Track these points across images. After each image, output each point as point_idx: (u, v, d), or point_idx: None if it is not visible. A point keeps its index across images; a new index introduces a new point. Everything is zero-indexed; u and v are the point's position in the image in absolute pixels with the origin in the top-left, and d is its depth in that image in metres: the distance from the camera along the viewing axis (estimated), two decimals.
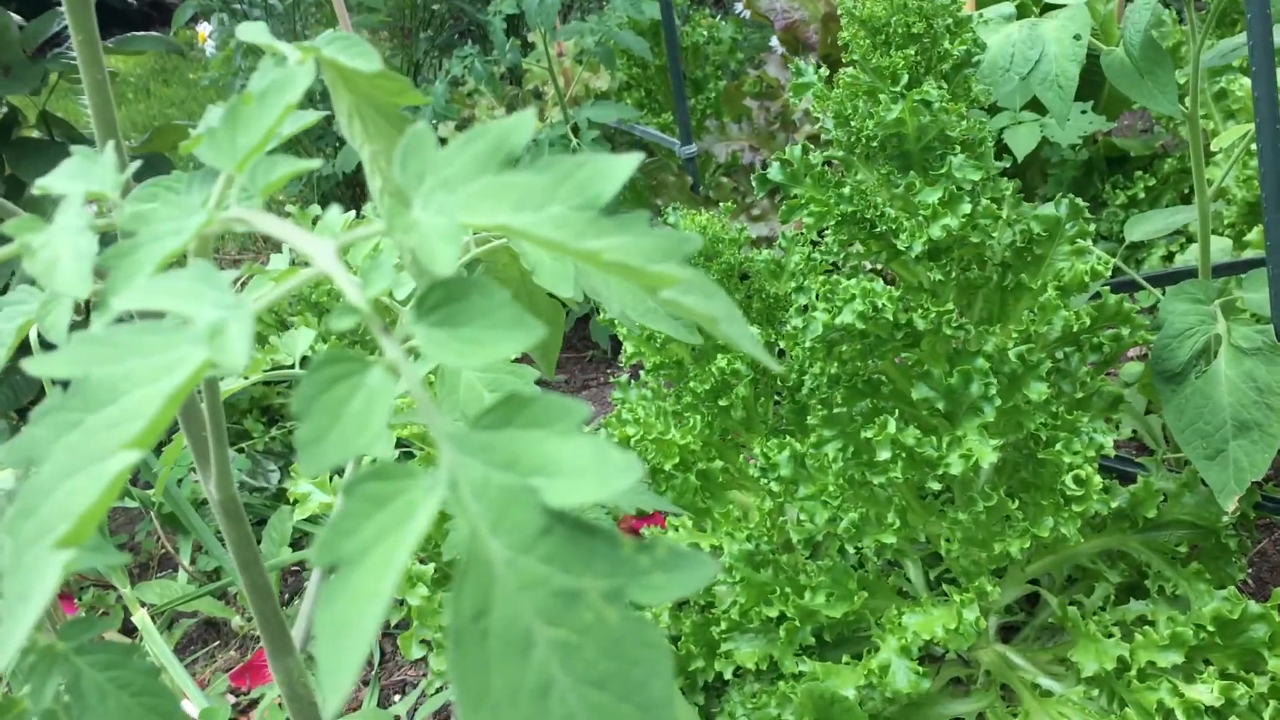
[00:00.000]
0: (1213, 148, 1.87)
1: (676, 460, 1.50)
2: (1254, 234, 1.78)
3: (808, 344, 1.22)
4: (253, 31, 0.50)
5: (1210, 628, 1.27)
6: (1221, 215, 1.91)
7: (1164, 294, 1.37)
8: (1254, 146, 1.73)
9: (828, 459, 1.30)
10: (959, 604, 1.27)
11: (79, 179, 0.39)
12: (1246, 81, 1.97)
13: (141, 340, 0.33)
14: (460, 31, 3.14)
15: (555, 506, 0.31)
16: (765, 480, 1.33)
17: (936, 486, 1.23)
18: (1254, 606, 1.26)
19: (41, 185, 0.39)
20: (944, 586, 1.39)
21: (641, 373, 1.56)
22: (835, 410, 1.30)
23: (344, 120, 0.53)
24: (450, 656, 0.30)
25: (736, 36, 2.77)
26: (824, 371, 1.31)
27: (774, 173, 1.22)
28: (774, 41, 2.87)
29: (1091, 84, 2.44)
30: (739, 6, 3.31)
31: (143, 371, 0.32)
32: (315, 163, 0.41)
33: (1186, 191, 2.25)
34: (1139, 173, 2.34)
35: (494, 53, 2.48)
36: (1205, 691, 1.24)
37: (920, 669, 1.24)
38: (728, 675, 1.42)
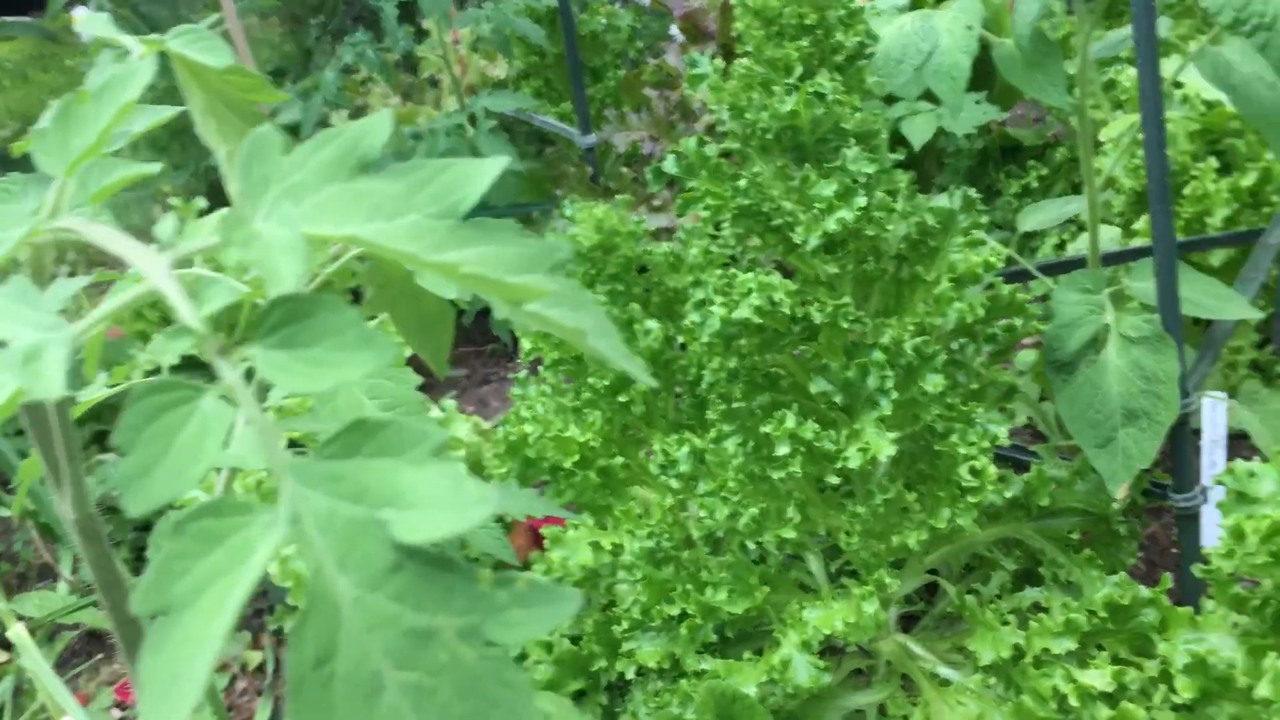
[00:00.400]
0: (1101, 138, 1.91)
1: (576, 458, 1.48)
2: (1141, 223, 1.82)
3: (705, 339, 1.21)
4: (94, 23, 0.47)
5: (1103, 613, 1.29)
6: (1111, 204, 1.95)
7: (1056, 283, 1.39)
8: (1140, 136, 1.77)
9: (727, 454, 1.29)
10: (859, 597, 1.27)
11: None
12: (1134, 72, 2.01)
13: None
14: (354, 17, 3.07)
15: (406, 541, 0.28)
16: (665, 477, 1.31)
17: (836, 480, 1.23)
18: (1144, 592, 1.28)
19: None
20: (844, 580, 1.39)
21: (540, 368, 1.54)
22: (734, 405, 1.29)
23: (198, 119, 0.49)
24: (291, 707, 0.28)
25: (636, 25, 2.75)
26: (723, 366, 1.29)
27: (669, 165, 1.20)
28: (674, 30, 2.85)
29: (985, 74, 2.47)
30: None
31: None
32: (154, 167, 0.37)
33: (1078, 180, 2.30)
34: (1032, 162, 2.38)
35: (387, 39, 2.42)
36: (1098, 677, 1.26)
37: (821, 663, 1.24)
38: (630, 675, 1.40)
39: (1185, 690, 1.12)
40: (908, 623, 1.55)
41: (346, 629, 0.28)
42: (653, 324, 1.45)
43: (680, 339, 1.46)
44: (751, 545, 1.31)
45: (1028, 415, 1.93)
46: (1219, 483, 1.08)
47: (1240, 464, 1.08)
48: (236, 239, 0.32)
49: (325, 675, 0.28)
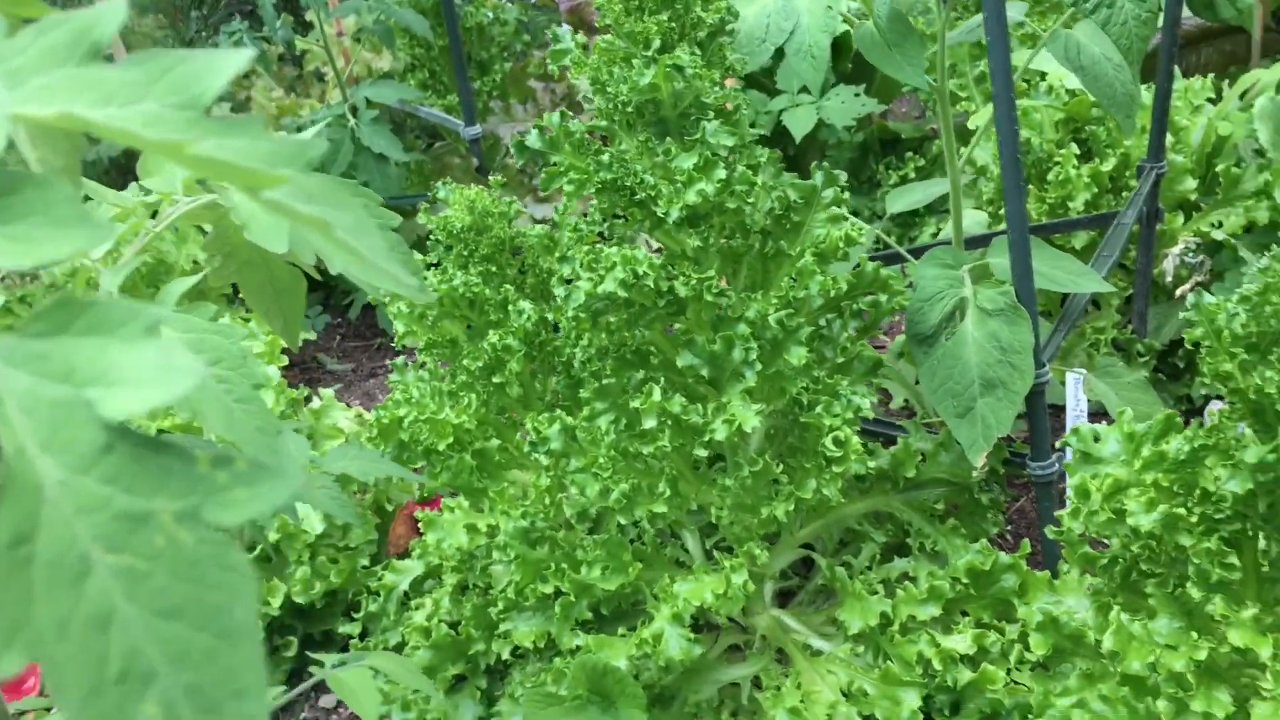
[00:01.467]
0: (970, 126, 1.96)
1: (451, 440, 1.47)
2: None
3: (572, 314, 1.21)
4: None
5: (965, 580, 1.32)
6: (981, 192, 1.99)
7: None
8: None
9: (599, 431, 1.29)
10: (729, 569, 1.28)
11: None
12: None
13: None
14: (234, 11, 3.00)
15: (115, 419, 0.28)
16: (536, 454, 1.31)
17: (705, 454, 1.24)
18: (1004, 558, 1.32)
19: None
20: (719, 555, 1.40)
21: (418, 353, 1.52)
22: (605, 382, 1.29)
23: None
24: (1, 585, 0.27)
25: (522, 18, 2.75)
26: (592, 343, 1.30)
27: (532, 140, 1.20)
28: (562, 26, 2.85)
29: (864, 68, 2.52)
30: None
31: None
32: None
33: (938, 179, 2.35)
34: (910, 154, 2.43)
35: (266, 29, 2.38)
36: (960, 641, 1.29)
37: (692, 636, 1.25)
38: (506, 656, 1.39)
39: (1039, 648, 1.15)
40: (784, 598, 1.57)
41: (50, 510, 0.27)
42: (526, 305, 1.44)
43: (555, 319, 1.45)
44: (627, 523, 1.31)
45: (905, 397, 1.97)
46: (1065, 444, 1.11)
47: (1085, 426, 1.11)
48: None
49: (24, 556, 0.27)
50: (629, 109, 1.16)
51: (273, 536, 1.67)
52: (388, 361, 2.41)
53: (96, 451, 0.28)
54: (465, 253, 1.44)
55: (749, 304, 1.24)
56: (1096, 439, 1.09)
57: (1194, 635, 1.03)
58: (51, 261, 0.29)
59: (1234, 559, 1.00)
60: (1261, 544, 1.03)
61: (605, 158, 1.18)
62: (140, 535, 0.28)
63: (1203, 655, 1.01)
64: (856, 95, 2.39)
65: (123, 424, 0.28)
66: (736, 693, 1.42)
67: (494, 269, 1.47)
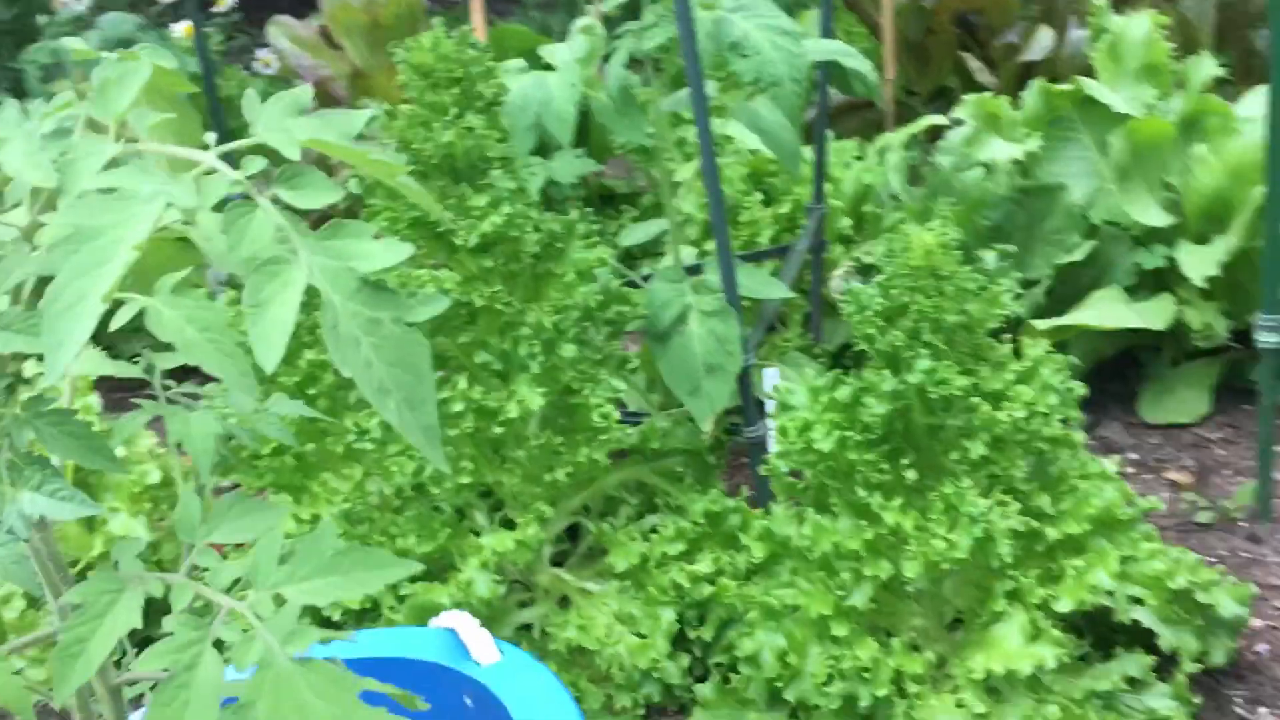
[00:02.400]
0: (676, 180, 2.40)
1: (274, 445, 1.72)
2: (710, 245, 2.31)
3: None
4: None
5: (702, 521, 1.71)
6: (688, 233, 2.44)
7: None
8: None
9: None
10: (523, 525, 1.61)
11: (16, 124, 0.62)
12: (695, 131, 2.53)
13: (104, 204, 0.58)
14: None
15: (362, 274, 0.60)
16: (359, 443, 1.60)
17: (500, 432, 1.57)
18: (730, 502, 1.72)
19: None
20: (504, 527, 1.73)
21: None
22: None
23: None
24: (335, 351, 0.59)
25: (269, 91, 2.99)
26: None
27: (353, 185, 1.51)
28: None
29: (583, 134, 2.94)
30: (262, 66, 3.49)
31: (112, 219, 0.58)
32: None
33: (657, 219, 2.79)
34: (625, 206, 2.86)
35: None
36: (702, 565, 1.67)
37: (498, 577, 1.57)
38: (338, 618, 1.65)
39: (758, 553, 1.55)
40: (559, 561, 1.91)
41: (341, 315, 0.59)
42: None
43: None
44: (437, 495, 1.61)
45: (637, 406, 2.36)
46: (770, 398, 1.53)
47: (781, 384, 1.53)
48: (255, 134, 0.62)
49: (334, 334, 0.59)
50: (432, 161, 1.49)
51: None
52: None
53: (355, 290, 0.60)
54: None
55: (528, 313, 1.59)
56: (790, 393, 1.52)
57: (863, 524, 1.46)
58: (319, 206, 0.61)
59: (885, 466, 1.44)
60: (905, 457, 1.47)
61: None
62: (378, 328, 0.60)
63: (869, 536, 1.44)
64: (579, 156, 2.80)
65: (365, 277, 0.61)
66: (529, 634, 1.74)
67: (304, 297, 1.74)
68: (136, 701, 0.76)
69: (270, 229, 0.59)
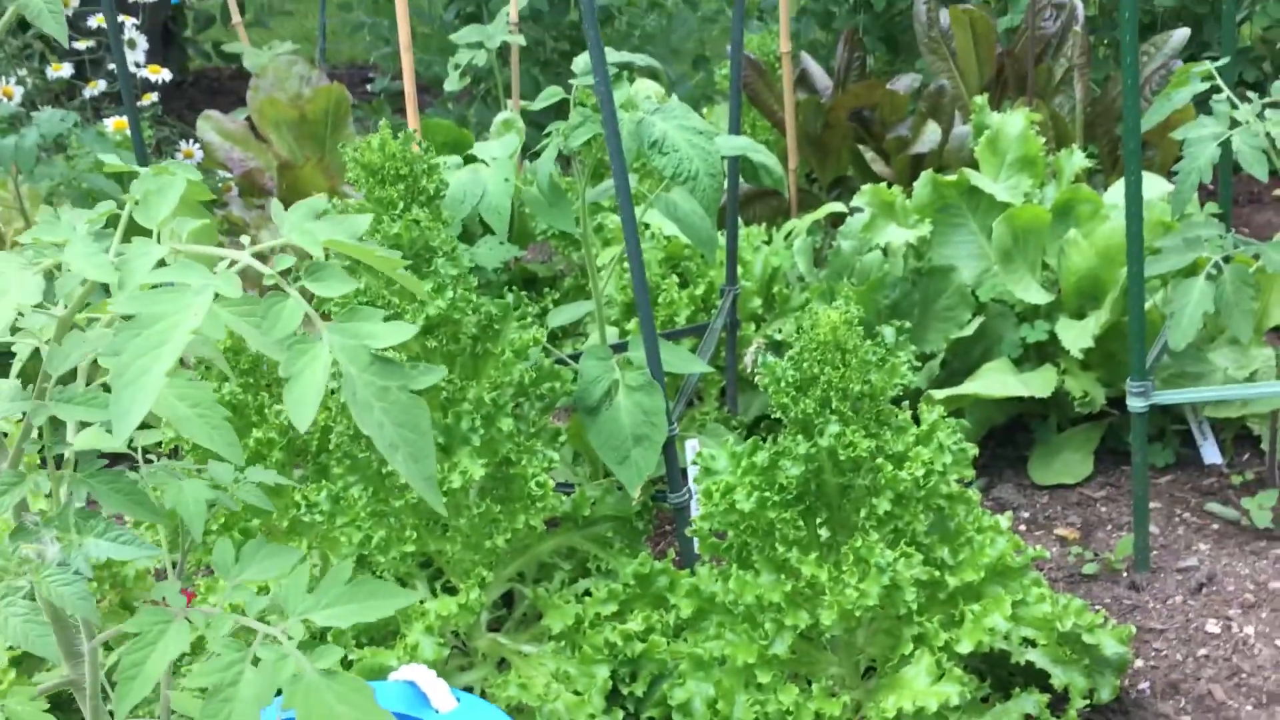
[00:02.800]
0: (598, 264, 2.55)
1: (222, 520, 1.80)
2: (631, 324, 2.46)
3: (339, 403, 1.62)
4: None
5: (633, 583, 1.82)
6: (610, 314, 2.58)
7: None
8: (624, 265, 2.42)
9: (353, 498, 1.70)
10: (465, 589, 1.71)
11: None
12: (615, 219, 2.69)
13: (161, 295, 0.70)
14: None
15: (375, 350, 0.73)
16: (310, 515, 1.69)
17: (443, 501, 1.67)
18: (658, 564, 1.84)
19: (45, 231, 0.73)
20: (445, 593, 1.82)
21: (182, 450, 1.84)
22: (360, 456, 1.70)
23: None
24: (354, 414, 0.71)
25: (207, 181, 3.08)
26: (349, 427, 1.71)
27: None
28: (233, 189, 3.21)
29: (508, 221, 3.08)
30: (184, 158, 3.58)
31: (169, 308, 0.69)
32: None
33: (583, 300, 2.94)
34: (546, 289, 3.00)
35: None
36: (633, 624, 1.78)
37: (442, 640, 1.66)
38: None
39: (685, 609, 1.67)
40: (495, 626, 2.00)
41: (358, 385, 0.72)
42: (282, 406, 1.82)
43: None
44: (383, 564, 1.71)
45: (564, 476, 2.48)
46: (694, 463, 1.66)
47: (705, 451, 1.67)
48: (286, 237, 0.74)
49: (353, 400, 0.71)
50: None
51: None
52: None
53: (368, 363, 0.72)
54: (234, 362, 1.81)
55: (468, 389, 1.71)
56: (713, 459, 1.65)
57: (783, 577, 1.59)
58: (343, 293, 0.73)
59: (801, 523, 1.57)
60: (819, 515, 1.61)
61: (361, 285, 1.62)
62: (387, 395, 0.72)
63: (789, 588, 1.57)
64: (501, 243, 2.94)
65: (376, 352, 0.73)
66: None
67: (251, 380, 1.84)
68: None
69: (299, 314, 0.71)
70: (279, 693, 0.76)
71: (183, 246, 0.74)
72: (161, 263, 0.72)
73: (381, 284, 1.66)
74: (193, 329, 0.68)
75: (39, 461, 0.81)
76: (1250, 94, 1.96)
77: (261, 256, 0.73)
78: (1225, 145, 1.90)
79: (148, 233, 0.78)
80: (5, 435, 1.88)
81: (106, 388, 0.75)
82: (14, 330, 0.80)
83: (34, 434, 0.80)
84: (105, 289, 0.75)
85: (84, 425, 0.82)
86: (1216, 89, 1.92)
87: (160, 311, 0.68)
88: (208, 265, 0.71)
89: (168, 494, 1.00)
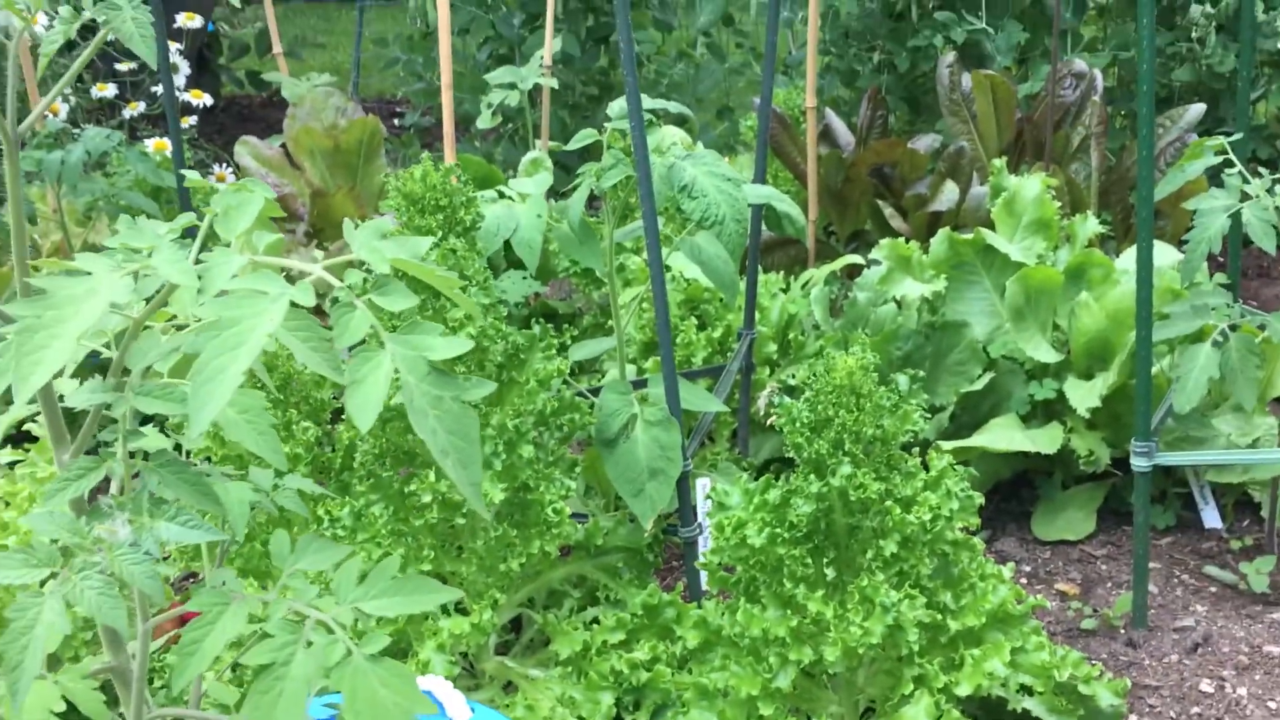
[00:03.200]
0: (619, 303, 2.61)
1: (245, 532, 1.85)
2: (650, 363, 2.52)
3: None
4: None
5: (640, 613, 1.87)
6: (629, 351, 2.64)
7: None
8: (644, 305, 2.48)
9: (374, 515, 1.75)
10: (478, 609, 1.75)
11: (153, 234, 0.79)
12: (637, 259, 2.75)
13: (241, 300, 0.76)
14: None
15: (432, 361, 0.79)
16: (332, 530, 1.74)
17: (461, 523, 1.72)
18: (666, 596, 1.88)
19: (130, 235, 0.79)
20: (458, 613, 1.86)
21: (210, 458, 1.90)
22: (384, 475, 1.76)
23: None
24: (412, 419, 0.76)
25: None
26: (375, 446, 1.76)
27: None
28: None
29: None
30: (218, 181, 3.67)
31: (247, 312, 0.75)
32: None
33: (602, 337, 3.00)
34: (566, 325, 3.06)
35: None
36: (640, 653, 1.82)
37: (453, 659, 1.71)
38: None
39: (692, 640, 1.71)
40: (503, 651, 2.04)
41: (415, 393, 0.77)
42: (308, 424, 1.88)
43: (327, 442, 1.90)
44: None
45: (575, 508, 2.52)
46: (707, 498, 1.71)
47: (718, 487, 1.72)
48: (350, 251, 0.80)
49: (411, 407, 0.77)
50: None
51: None
52: None
53: (425, 373, 0.78)
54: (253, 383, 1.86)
55: (492, 415, 1.76)
56: (726, 494, 1.70)
57: (789, 613, 1.63)
58: (405, 308, 0.79)
59: (809, 561, 1.62)
60: (827, 554, 1.66)
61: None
62: (441, 404, 0.78)
63: (794, 624, 1.62)
64: (525, 278, 3.00)
65: (434, 363, 0.79)
66: None
67: (282, 397, 1.90)
68: None
69: (365, 325, 0.77)
70: (321, 692, 0.81)
71: (259, 258, 0.80)
72: (237, 273, 0.78)
73: (419, 308, 1.71)
74: (269, 333, 0.73)
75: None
76: (1262, 170, 2.03)
77: (330, 271, 0.79)
78: (1235, 218, 1.97)
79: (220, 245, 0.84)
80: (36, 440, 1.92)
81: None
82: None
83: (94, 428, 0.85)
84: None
85: (145, 421, 0.87)
86: (1229, 163, 1.98)
87: (239, 315, 0.74)
88: (282, 276, 0.77)
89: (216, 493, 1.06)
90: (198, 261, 0.80)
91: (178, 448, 1.12)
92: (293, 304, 0.76)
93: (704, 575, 1.82)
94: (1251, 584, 2.16)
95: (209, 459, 1.90)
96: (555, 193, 2.29)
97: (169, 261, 0.77)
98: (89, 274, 0.75)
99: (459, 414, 0.78)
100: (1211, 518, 2.35)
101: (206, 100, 3.64)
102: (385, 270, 0.79)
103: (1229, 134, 2.05)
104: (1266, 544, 2.27)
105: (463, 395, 0.78)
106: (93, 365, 0.91)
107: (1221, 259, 3.02)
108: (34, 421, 2.02)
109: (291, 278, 0.79)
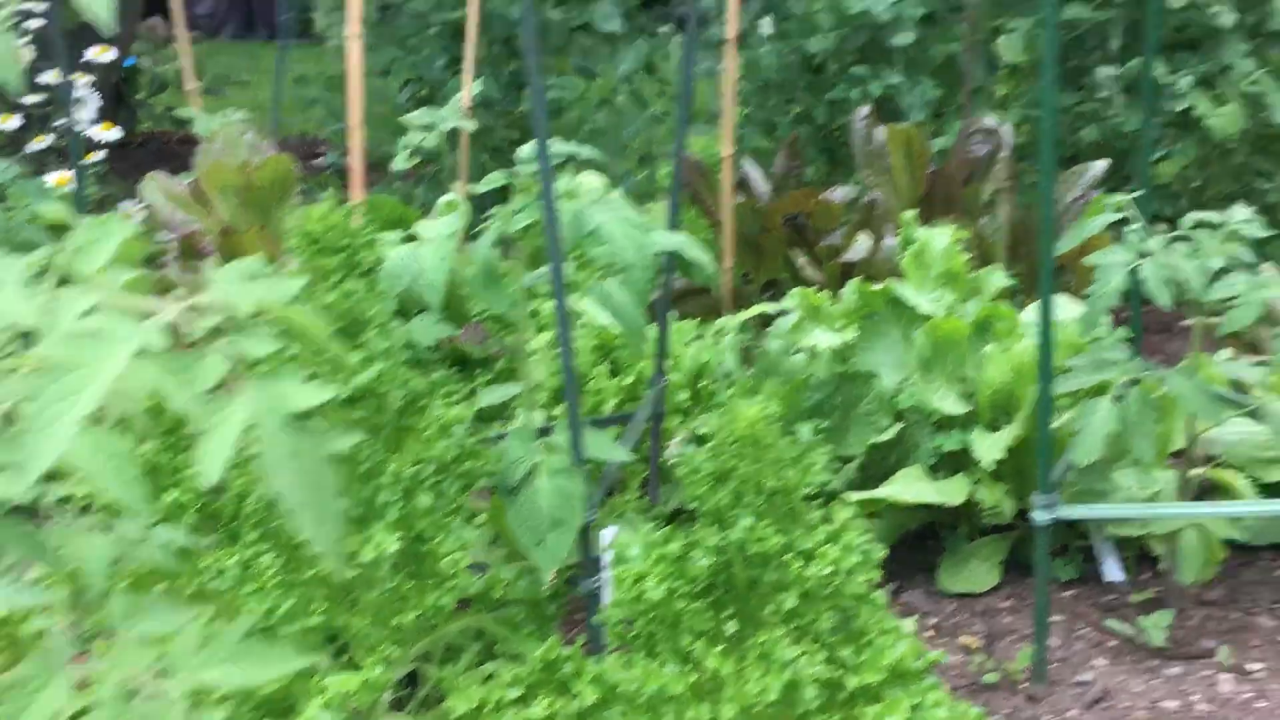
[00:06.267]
0: (528, 349, 2.58)
1: (125, 584, 1.77)
2: (559, 409, 2.48)
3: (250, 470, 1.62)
4: None
5: (539, 667, 1.82)
6: (539, 398, 2.60)
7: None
8: (557, 350, 2.45)
9: (263, 566, 1.69)
10: (369, 665, 1.69)
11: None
12: (551, 305, 2.72)
13: (84, 342, 0.71)
14: None
15: (292, 412, 0.75)
16: (216, 582, 1.67)
17: (354, 574, 1.67)
18: (565, 650, 1.83)
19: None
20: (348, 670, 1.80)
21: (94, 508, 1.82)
22: (273, 525, 1.70)
23: None
24: (265, 472, 0.72)
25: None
26: (264, 494, 1.70)
27: None
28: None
29: (444, 301, 3.11)
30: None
31: (90, 356, 0.71)
32: None
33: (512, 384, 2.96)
34: (479, 370, 3.02)
35: None
36: (537, 710, 1.77)
37: (343, 717, 1.64)
38: None
39: (589, 696, 1.67)
40: (397, 707, 1.98)
41: (269, 446, 0.73)
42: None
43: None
44: (287, 634, 1.69)
45: (477, 558, 2.47)
46: (609, 550, 1.68)
47: (621, 538, 1.69)
48: None
49: (266, 458, 0.73)
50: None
51: None
52: None
53: (283, 423, 0.74)
54: (154, 426, 1.80)
55: (389, 462, 1.72)
56: (627, 546, 1.67)
57: (687, 669, 1.60)
58: (267, 353, 0.75)
59: (709, 615, 1.59)
60: (726, 609, 1.63)
61: (291, 350, 1.63)
62: (299, 457, 0.74)
63: (692, 680, 1.58)
64: (437, 322, 2.96)
65: (292, 414, 0.75)
66: None
67: (172, 441, 1.83)
68: None
69: (220, 369, 0.73)
70: None
71: (113, 297, 0.76)
72: (90, 312, 0.73)
73: (310, 354, 1.67)
74: (113, 378, 0.69)
75: None
76: (1164, 227, 2.07)
77: (191, 313, 0.75)
78: (1135, 274, 2.00)
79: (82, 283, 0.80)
80: None
81: None
82: None
83: None
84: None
85: None
86: (1130, 220, 2.02)
87: (80, 358, 0.69)
88: (137, 318, 0.73)
89: (71, 547, 1.00)
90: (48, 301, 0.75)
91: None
92: (143, 349, 0.72)
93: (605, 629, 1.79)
94: (1149, 638, 2.17)
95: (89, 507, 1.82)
96: (473, 235, 2.26)
97: (14, 297, 0.73)
98: None
99: (317, 467, 0.74)
100: (1113, 571, 2.37)
101: (115, 133, 3.55)
102: (247, 312, 0.75)
103: (1133, 191, 2.09)
104: (1165, 598, 2.29)
105: (322, 448, 0.75)
106: None
107: (1126, 315, 3.09)
108: None
109: (149, 317, 0.75)
